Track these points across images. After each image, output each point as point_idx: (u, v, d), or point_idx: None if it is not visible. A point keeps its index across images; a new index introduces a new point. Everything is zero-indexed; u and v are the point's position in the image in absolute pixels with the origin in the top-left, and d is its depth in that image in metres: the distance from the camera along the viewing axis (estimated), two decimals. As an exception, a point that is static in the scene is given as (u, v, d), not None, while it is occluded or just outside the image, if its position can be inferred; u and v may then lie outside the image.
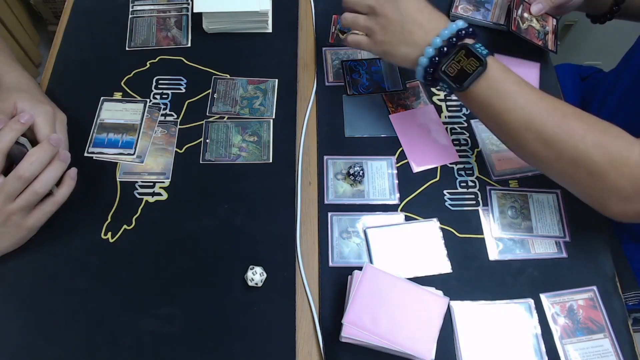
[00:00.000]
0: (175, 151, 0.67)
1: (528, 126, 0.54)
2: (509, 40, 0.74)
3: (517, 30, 0.71)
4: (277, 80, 0.72)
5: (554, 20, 0.74)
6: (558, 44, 0.73)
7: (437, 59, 0.56)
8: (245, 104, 0.71)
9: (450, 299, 0.58)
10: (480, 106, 0.57)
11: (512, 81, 0.55)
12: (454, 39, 0.56)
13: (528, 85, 0.55)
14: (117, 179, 0.65)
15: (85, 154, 0.66)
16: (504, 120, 0.55)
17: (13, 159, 0.56)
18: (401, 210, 0.64)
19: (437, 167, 0.67)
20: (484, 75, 0.55)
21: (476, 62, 0.55)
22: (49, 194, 0.58)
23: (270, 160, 0.66)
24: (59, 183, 0.59)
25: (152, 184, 0.65)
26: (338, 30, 0.77)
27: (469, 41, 0.56)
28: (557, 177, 0.57)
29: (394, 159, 0.67)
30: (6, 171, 0.55)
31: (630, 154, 0.51)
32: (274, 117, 0.70)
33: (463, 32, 0.56)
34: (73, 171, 0.60)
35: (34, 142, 0.58)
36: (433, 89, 0.73)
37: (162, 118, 0.70)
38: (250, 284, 0.58)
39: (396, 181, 0.66)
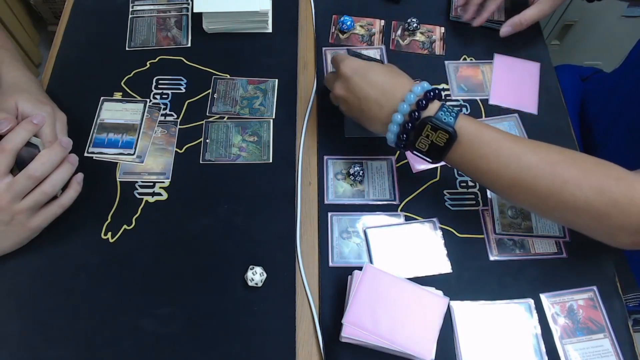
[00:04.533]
0: (175, 151, 0.67)
1: (518, 183, 0.51)
2: (509, 40, 0.74)
3: (397, 48, 0.75)
4: (277, 80, 0.72)
5: (442, 28, 0.77)
6: (445, 47, 0.76)
7: (404, 136, 0.54)
8: (245, 104, 0.71)
9: (450, 299, 0.58)
10: (466, 170, 0.55)
11: (490, 139, 0.52)
12: (416, 113, 0.52)
13: (507, 138, 0.52)
14: (117, 179, 0.65)
15: (85, 154, 0.66)
16: (493, 180, 0.53)
17: (18, 160, 0.56)
18: (401, 210, 0.64)
19: (437, 167, 0.67)
20: (457, 142, 0.52)
21: (445, 134, 0.52)
22: (54, 196, 0.58)
23: (270, 160, 0.66)
24: (65, 186, 0.59)
25: (152, 184, 0.65)
26: (338, 30, 0.77)
27: (432, 108, 0.53)
28: (560, 223, 0.55)
29: (394, 159, 0.67)
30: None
31: (635, 193, 0.49)
32: (274, 117, 0.70)
33: (423, 101, 0.52)
34: (80, 176, 0.61)
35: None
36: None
37: (162, 118, 0.70)
38: (250, 284, 0.58)
39: (396, 181, 0.66)
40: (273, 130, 0.69)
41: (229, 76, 0.73)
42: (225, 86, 0.72)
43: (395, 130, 0.54)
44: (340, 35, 0.77)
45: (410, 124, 0.53)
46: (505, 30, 0.71)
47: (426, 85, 0.54)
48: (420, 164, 0.67)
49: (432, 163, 0.56)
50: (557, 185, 0.50)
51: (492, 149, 0.52)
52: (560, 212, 0.52)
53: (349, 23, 0.76)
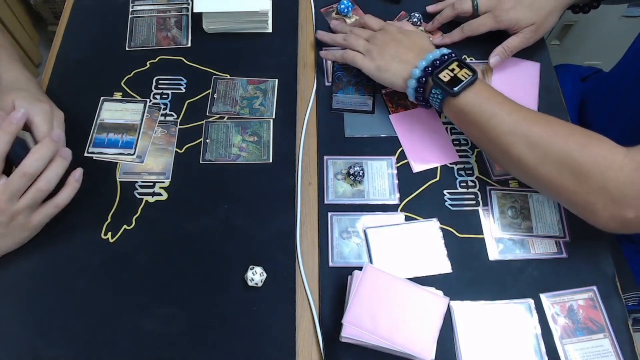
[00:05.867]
0: (175, 151, 0.67)
1: (514, 130, 0.56)
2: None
3: None
4: (277, 80, 0.72)
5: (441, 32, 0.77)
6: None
7: (430, 69, 0.62)
8: (245, 104, 0.71)
9: (450, 299, 0.58)
10: (468, 113, 0.60)
11: (499, 94, 0.60)
12: (445, 56, 0.62)
13: (513, 101, 0.60)
14: (117, 179, 0.65)
15: (85, 154, 0.66)
16: (491, 126, 0.58)
17: (12, 158, 0.56)
18: (401, 210, 0.64)
19: (437, 167, 0.67)
20: (474, 84, 0.60)
21: (468, 72, 0.60)
22: (51, 194, 0.58)
23: (270, 160, 0.66)
24: (62, 183, 0.59)
25: (152, 184, 0.65)
26: (336, 12, 0.78)
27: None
28: (542, 184, 0.57)
29: (394, 159, 0.67)
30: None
31: (614, 156, 0.52)
32: (274, 117, 0.70)
33: (452, 54, 0.62)
34: (78, 172, 0.60)
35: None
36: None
37: (162, 118, 0.70)
38: (250, 284, 0.58)
39: (396, 181, 0.66)
40: (273, 130, 0.69)
41: (229, 76, 0.73)
42: (225, 86, 0.72)
43: (424, 65, 0.62)
44: (335, 16, 0.78)
45: (438, 61, 0.62)
46: (494, 60, 0.72)
47: (447, 50, 0.64)
48: (420, 164, 0.67)
49: (447, 96, 0.61)
50: (548, 135, 0.55)
51: (500, 100, 0.59)
52: (546, 167, 0.55)
53: (343, 6, 0.77)
